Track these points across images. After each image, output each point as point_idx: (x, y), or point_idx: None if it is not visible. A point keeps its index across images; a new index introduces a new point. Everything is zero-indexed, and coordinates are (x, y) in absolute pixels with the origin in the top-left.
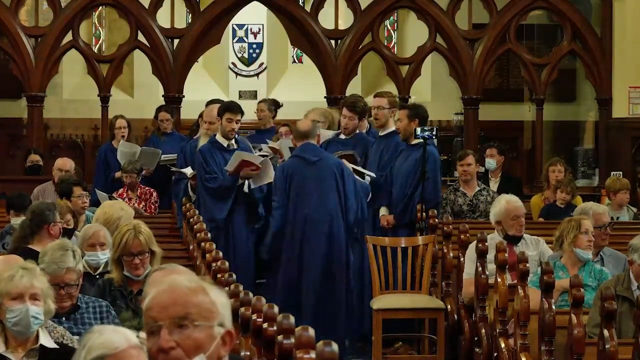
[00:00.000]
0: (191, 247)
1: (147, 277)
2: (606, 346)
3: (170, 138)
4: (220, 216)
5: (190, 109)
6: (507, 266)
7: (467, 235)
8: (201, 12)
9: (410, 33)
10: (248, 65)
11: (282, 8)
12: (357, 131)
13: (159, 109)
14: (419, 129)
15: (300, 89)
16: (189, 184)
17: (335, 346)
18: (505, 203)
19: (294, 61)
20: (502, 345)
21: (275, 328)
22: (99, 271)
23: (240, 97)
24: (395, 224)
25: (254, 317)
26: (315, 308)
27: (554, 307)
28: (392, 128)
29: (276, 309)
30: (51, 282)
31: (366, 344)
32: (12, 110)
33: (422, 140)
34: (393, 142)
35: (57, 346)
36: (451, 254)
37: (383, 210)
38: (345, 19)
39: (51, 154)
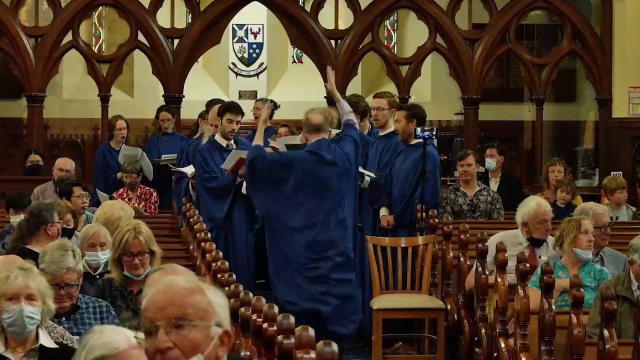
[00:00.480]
0: (191, 247)
1: (147, 277)
2: (606, 346)
3: (171, 138)
4: (220, 214)
5: (190, 109)
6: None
7: (467, 235)
8: (201, 12)
9: (410, 33)
10: (248, 65)
11: (282, 8)
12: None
13: (160, 109)
14: (419, 129)
15: (300, 89)
16: (189, 183)
17: (335, 346)
18: (535, 205)
19: (294, 61)
20: (502, 345)
21: (275, 328)
22: (98, 271)
23: (240, 97)
24: (395, 224)
25: (254, 317)
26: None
27: (554, 307)
28: (391, 128)
29: (276, 309)
30: (51, 282)
31: (366, 344)
32: (12, 110)
33: (421, 140)
34: (393, 142)
35: (57, 346)
36: (451, 254)
37: (383, 211)
38: (345, 19)
39: (51, 154)
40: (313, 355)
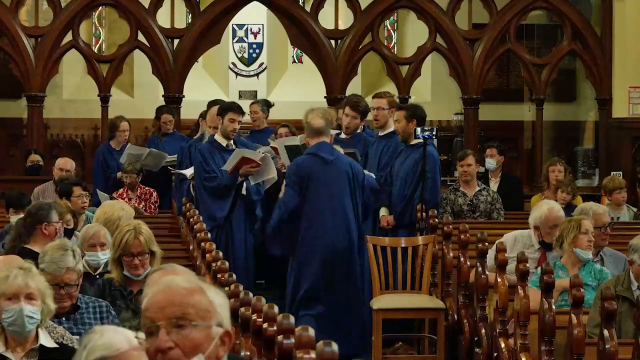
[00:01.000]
0: (191, 247)
1: (147, 278)
2: (606, 346)
3: (171, 138)
4: (221, 214)
5: (190, 109)
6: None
7: (467, 235)
8: (201, 12)
9: (410, 33)
10: (248, 65)
11: (282, 8)
12: (357, 131)
13: (161, 111)
14: (419, 129)
15: (300, 89)
16: (190, 185)
17: (335, 346)
18: (547, 211)
19: (294, 61)
20: (502, 345)
21: (275, 328)
22: (98, 271)
23: (240, 97)
24: (395, 224)
25: (254, 317)
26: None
27: (554, 307)
28: (391, 128)
29: (276, 309)
30: (51, 282)
31: (366, 344)
32: (12, 110)
33: (421, 140)
34: (393, 142)
35: (56, 346)
36: (451, 254)
37: (383, 211)
38: (345, 19)
39: (51, 154)
40: (313, 355)
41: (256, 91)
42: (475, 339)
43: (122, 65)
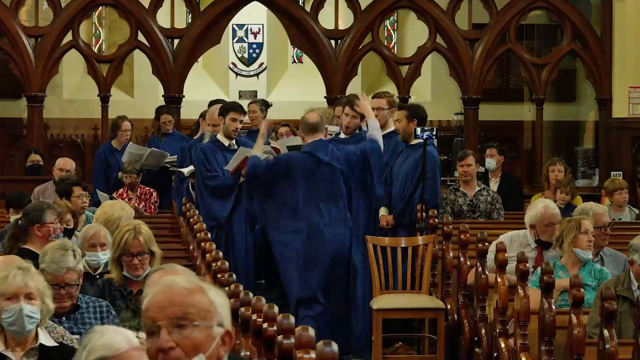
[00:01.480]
0: (191, 247)
1: (147, 278)
2: (606, 346)
3: (171, 138)
4: (222, 214)
5: (190, 109)
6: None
7: (467, 235)
8: (201, 12)
9: (410, 33)
10: (248, 65)
11: (282, 8)
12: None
13: (160, 111)
14: (419, 129)
15: (300, 89)
16: (190, 184)
17: (335, 346)
18: (542, 209)
19: (294, 61)
20: (502, 345)
21: (275, 328)
22: (98, 271)
23: (240, 97)
24: (395, 224)
25: (254, 317)
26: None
27: (554, 307)
28: (391, 128)
29: (276, 309)
30: (51, 282)
31: (366, 344)
32: (12, 110)
33: (421, 140)
34: (392, 142)
35: (56, 344)
36: (451, 254)
37: (383, 211)
38: (345, 19)
39: (51, 154)
40: (313, 355)
41: (256, 91)
42: (475, 339)
43: (122, 65)
